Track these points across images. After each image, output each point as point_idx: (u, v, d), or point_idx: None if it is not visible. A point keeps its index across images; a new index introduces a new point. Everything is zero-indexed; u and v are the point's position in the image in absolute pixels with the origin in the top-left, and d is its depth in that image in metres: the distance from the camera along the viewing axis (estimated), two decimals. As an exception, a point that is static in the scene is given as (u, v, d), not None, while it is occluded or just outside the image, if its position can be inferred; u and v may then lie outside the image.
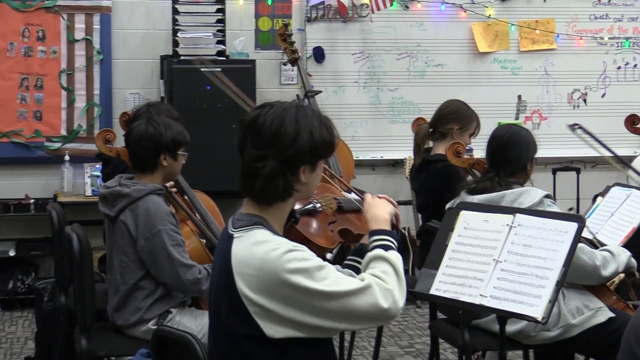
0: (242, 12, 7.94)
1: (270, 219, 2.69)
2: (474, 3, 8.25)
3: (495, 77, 8.36)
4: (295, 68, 7.50)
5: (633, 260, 4.19)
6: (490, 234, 3.39)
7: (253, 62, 7.59)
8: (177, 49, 7.49)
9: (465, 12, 8.24)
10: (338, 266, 2.96)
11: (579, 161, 8.37)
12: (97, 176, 7.22)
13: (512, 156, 4.25)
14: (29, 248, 7.55)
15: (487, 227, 3.42)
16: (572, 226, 3.28)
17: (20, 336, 6.69)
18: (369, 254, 2.75)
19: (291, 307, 2.55)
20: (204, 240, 4.40)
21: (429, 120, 5.47)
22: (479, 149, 5.38)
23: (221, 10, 7.65)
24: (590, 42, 8.50)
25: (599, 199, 4.97)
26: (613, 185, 4.99)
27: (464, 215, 3.49)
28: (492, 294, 3.26)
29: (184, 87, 7.29)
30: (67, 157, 7.53)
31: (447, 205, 4.16)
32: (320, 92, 7.43)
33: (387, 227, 2.85)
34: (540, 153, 4.44)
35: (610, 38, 8.53)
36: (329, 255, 4.40)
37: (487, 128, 4.90)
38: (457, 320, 4.24)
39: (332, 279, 2.58)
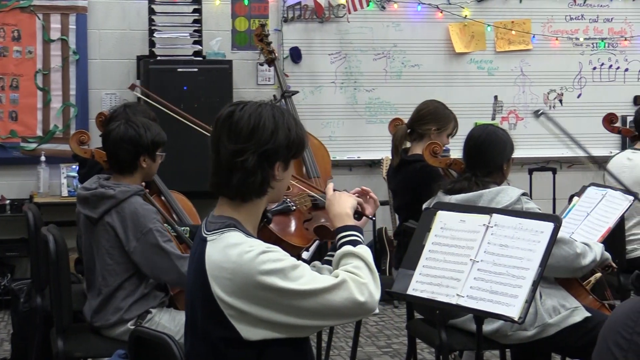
0: (218, 12, 7.92)
1: (244, 220, 2.69)
2: (450, 4, 8.27)
3: (471, 77, 8.38)
4: (272, 68, 7.50)
5: (606, 253, 4.23)
6: (467, 234, 3.40)
7: (230, 62, 7.58)
8: (153, 49, 7.47)
9: (441, 12, 8.26)
10: (318, 262, 2.96)
11: (555, 161, 8.42)
12: (74, 177, 7.19)
13: (488, 156, 4.26)
14: (5, 249, 7.51)
15: (463, 227, 3.43)
16: (548, 226, 3.29)
17: (-5, 338, 6.66)
18: (338, 252, 2.76)
19: (268, 308, 2.55)
20: (174, 232, 4.38)
21: (406, 120, 5.49)
22: (456, 149, 5.40)
23: (198, 11, 7.64)
24: (565, 43, 8.54)
25: (575, 198, 4.99)
26: (589, 186, 5.02)
27: (441, 215, 3.50)
28: (468, 294, 3.26)
29: (161, 88, 7.25)
30: (43, 158, 7.50)
31: (424, 206, 4.17)
32: (297, 92, 7.43)
33: (351, 222, 2.86)
34: (517, 153, 4.46)
35: (585, 39, 8.58)
36: (305, 254, 4.40)
37: (463, 128, 4.92)
38: (434, 320, 4.25)
39: (307, 277, 2.58)
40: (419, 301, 3.54)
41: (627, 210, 4.80)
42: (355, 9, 7.79)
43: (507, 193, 4.09)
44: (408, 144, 5.45)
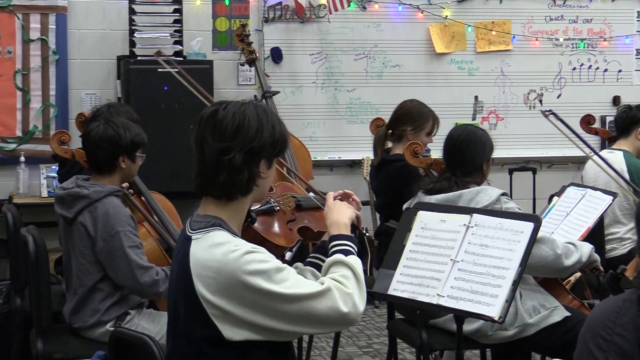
0: (199, 12, 7.90)
1: (229, 219, 2.69)
2: (431, 4, 8.29)
3: (452, 77, 8.40)
4: (252, 68, 7.50)
5: (596, 255, 4.21)
6: (448, 234, 3.41)
7: (210, 62, 7.56)
8: (134, 49, 7.44)
9: (422, 13, 8.28)
10: (300, 264, 2.96)
11: (535, 161, 8.45)
12: (53, 177, 7.16)
13: (468, 156, 4.27)
14: (-16, 250, 7.46)
15: (444, 227, 3.44)
16: (528, 226, 3.31)
17: (-25, 339, 6.61)
18: (329, 259, 2.75)
19: (250, 309, 2.54)
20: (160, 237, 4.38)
21: (387, 120, 5.52)
22: (436, 149, 5.41)
23: (178, 11, 7.61)
24: (545, 43, 8.57)
25: (555, 198, 5.02)
26: (569, 185, 5.05)
27: (422, 215, 3.51)
28: (449, 294, 3.27)
29: (141, 88, 7.25)
30: (22, 158, 7.45)
31: (405, 206, 4.18)
32: (278, 92, 7.43)
33: (347, 232, 2.86)
34: (497, 153, 4.47)
35: (565, 39, 8.61)
36: (288, 255, 4.40)
37: (444, 128, 4.94)
38: (414, 320, 4.25)
39: (292, 281, 2.57)
40: (399, 301, 3.55)
41: (606, 209, 4.83)
42: (336, 9, 7.79)
43: (486, 193, 4.10)
44: (390, 144, 5.48)
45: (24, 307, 4.56)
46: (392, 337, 4.87)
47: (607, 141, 6.21)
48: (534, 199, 7.99)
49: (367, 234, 3.09)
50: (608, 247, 5.55)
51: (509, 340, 4.11)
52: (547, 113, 4.72)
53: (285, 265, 2.61)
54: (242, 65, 7.69)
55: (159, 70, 7.25)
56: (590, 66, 8.69)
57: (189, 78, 5.34)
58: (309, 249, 4.93)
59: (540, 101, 8.60)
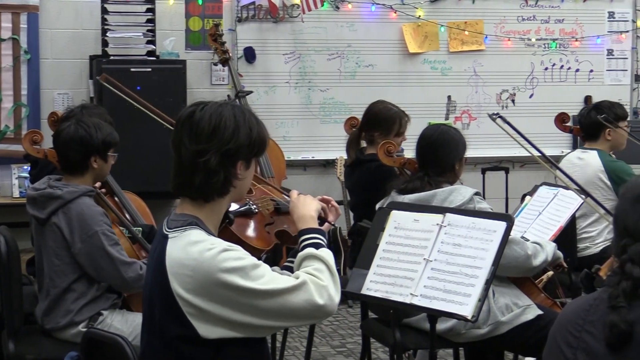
0: (172, 12, 7.88)
1: (206, 219, 2.69)
2: (403, 4, 8.30)
3: (425, 77, 8.42)
4: (226, 68, 7.49)
5: (559, 252, 4.28)
6: (421, 234, 3.42)
7: (184, 62, 7.54)
8: (106, 48, 7.41)
9: (395, 13, 8.29)
10: (277, 268, 2.96)
11: (508, 161, 8.48)
12: (25, 177, 7.11)
13: (440, 156, 4.29)
14: (-45, 251, 7.40)
15: (417, 227, 3.45)
16: (501, 225, 3.33)
17: (-54, 341, 6.56)
18: (300, 254, 2.76)
19: (227, 307, 2.55)
20: (129, 234, 4.36)
21: (360, 119, 5.56)
22: (410, 149, 5.42)
23: (151, 10, 7.59)
24: (518, 43, 8.61)
25: (527, 198, 5.05)
26: (541, 185, 5.07)
27: (395, 215, 3.52)
28: (422, 293, 3.28)
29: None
30: (-6, 158, 7.42)
31: (378, 205, 4.19)
32: (251, 92, 7.42)
33: (315, 225, 2.87)
34: (470, 153, 4.48)
35: (537, 39, 8.65)
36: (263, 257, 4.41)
37: (417, 128, 4.93)
38: (388, 319, 4.26)
39: (268, 277, 2.58)
40: (373, 300, 3.55)
41: (578, 209, 4.86)
42: (309, 9, 7.80)
43: (459, 192, 4.11)
44: (364, 143, 5.51)
45: (-5, 308, 4.54)
46: (365, 337, 4.87)
47: (582, 139, 6.24)
48: (507, 198, 8.03)
49: (335, 225, 3.08)
50: (581, 245, 5.58)
51: (482, 339, 4.13)
52: (494, 117, 4.75)
53: (260, 262, 2.62)
54: (215, 65, 7.67)
55: (132, 69, 7.25)
56: (562, 66, 8.74)
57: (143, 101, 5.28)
58: (283, 251, 4.94)
59: (513, 101, 8.63)
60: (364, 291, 3.38)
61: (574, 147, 7.53)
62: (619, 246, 2.27)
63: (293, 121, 8.12)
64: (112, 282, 4.08)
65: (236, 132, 2.66)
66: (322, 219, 2.97)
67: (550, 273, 4.47)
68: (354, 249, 5.16)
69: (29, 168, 5.81)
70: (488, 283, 3.22)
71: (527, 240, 4.41)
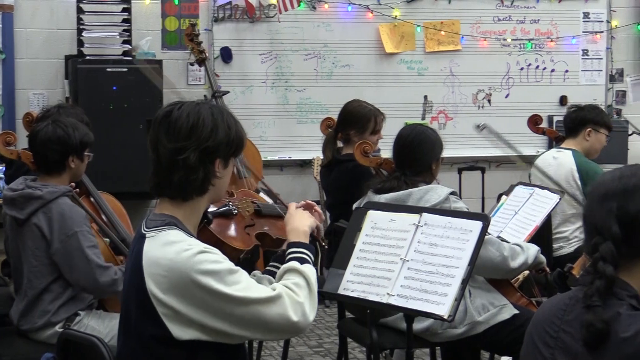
0: (148, 11, 7.86)
1: (184, 219, 2.69)
2: (380, 4, 8.32)
3: (401, 77, 8.43)
4: (202, 68, 7.47)
5: (542, 256, 4.27)
6: (397, 234, 3.42)
7: (160, 62, 7.53)
8: (82, 48, 7.38)
9: (371, 13, 8.30)
10: (258, 271, 2.96)
11: (484, 161, 8.51)
12: (0, 178, 7.07)
13: (417, 155, 4.30)
14: None
15: (394, 227, 3.45)
16: (477, 225, 3.33)
17: None
18: (284, 266, 2.75)
19: (199, 309, 2.54)
20: (108, 240, 4.35)
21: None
22: (386, 149, 5.43)
23: (127, 10, 7.56)
24: (494, 44, 8.65)
25: (503, 197, 5.07)
26: (517, 184, 5.10)
27: (371, 214, 3.52)
28: (399, 293, 3.29)
29: (90, 88, 7.19)
30: (-32, 159, 7.36)
31: (354, 205, 4.19)
32: (228, 92, 7.41)
33: (306, 240, 2.86)
34: (446, 153, 4.49)
35: (513, 39, 8.69)
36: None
37: (394, 128, 4.95)
38: (365, 319, 4.26)
39: (243, 284, 2.57)
40: (350, 300, 3.55)
41: (553, 208, 4.89)
42: (286, 9, 7.79)
43: (435, 192, 4.12)
44: (340, 144, 5.52)
45: (-30, 310, 4.51)
46: (342, 337, 4.87)
47: (555, 141, 6.28)
48: (483, 198, 8.06)
49: (326, 246, 3.10)
50: (555, 245, 5.61)
51: (459, 338, 4.14)
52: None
53: (238, 267, 2.60)
54: (192, 65, 7.65)
55: (108, 69, 7.22)
56: (537, 66, 8.78)
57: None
58: (259, 252, 4.93)
59: (489, 101, 8.66)
60: (341, 291, 3.38)
61: (550, 146, 7.56)
62: (590, 245, 2.28)
63: (270, 121, 8.12)
64: (85, 285, 4.05)
65: (214, 130, 2.66)
66: (313, 237, 2.96)
67: (527, 272, 4.48)
68: (331, 249, 5.16)
69: (4, 168, 5.78)
70: (464, 283, 3.22)
71: (505, 240, 4.44)
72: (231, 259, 2.62)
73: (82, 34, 7.38)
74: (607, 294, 2.21)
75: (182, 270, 2.53)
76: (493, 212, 4.88)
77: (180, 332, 2.56)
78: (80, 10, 7.44)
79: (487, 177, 8.22)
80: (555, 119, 8.39)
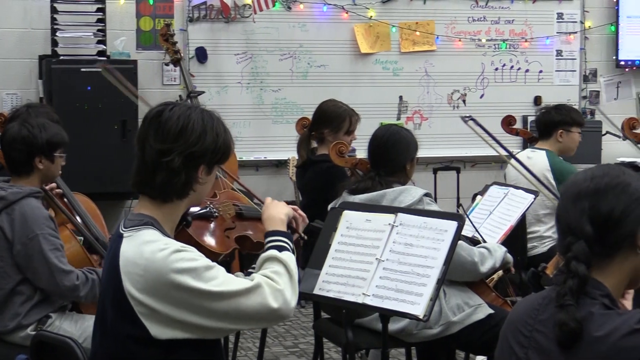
0: (123, 11, 7.83)
1: (162, 220, 2.69)
2: (355, 4, 8.32)
3: (377, 78, 8.44)
4: (177, 68, 7.44)
5: (509, 256, 4.32)
6: (373, 234, 3.43)
7: (135, 62, 7.50)
8: (56, 48, 7.34)
9: (347, 13, 8.31)
10: (240, 273, 2.96)
11: (459, 161, 8.54)
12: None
13: (391, 156, 4.30)
14: None
15: (369, 227, 3.45)
16: (452, 225, 3.34)
17: None
18: (263, 255, 2.77)
19: (178, 307, 2.54)
20: (82, 238, 4.32)
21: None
22: (361, 150, 5.44)
23: (101, 10, 7.53)
24: (468, 44, 8.67)
25: (478, 197, 5.09)
26: (492, 184, 5.12)
27: (347, 215, 3.52)
28: (374, 293, 3.29)
29: (64, 88, 7.16)
30: (-59, 160, 7.31)
31: (330, 206, 4.20)
32: (203, 92, 7.38)
33: (283, 228, 2.87)
34: (421, 153, 4.50)
35: (487, 40, 8.72)
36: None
37: (369, 128, 4.96)
38: (340, 319, 4.26)
39: (221, 279, 2.58)
40: (325, 301, 3.56)
41: (528, 208, 4.91)
42: (261, 9, 7.80)
43: (410, 192, 4.13)
44: (315, 144, 5.52)
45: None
46: (318, 337, 4.88)
47: (528, 141, 6.31)
48: (458, 198, 8.08)
49: (305, 238, 3.10)
50: (529, 245, 5.63)
51: (434, 338, 4.15)
52: (466, 119, 4.79)
53: (214, 264, 2.61)
54: (167, 65, 7.62)
55: (82, 70, 7.19)
56: (512, 67, 8.82)
57: (119, 76, 5.25)
58: (235, 255, 4.92)
59: (464, 101, 8.69)
60: (317, 291, 3.38)
61: (524, 146, 7.59)
62: (563, 244, 2.29)
63: (245, 121, 8.10)
64: (46, 288, 4.01)
65: (203, 136, 2.67)
66: (292, 229, 2.97)
67: (501, 272, 4.51)
68: (306, 249, 5.16)
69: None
70: (440, 282, 3.23)
71: (482, 240, 4.46)
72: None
73: (56, 34, 7.35)
74: (580, 293, 2.22)
75: (159, 270, 2.53)
76: (468, 212, 4.90)
77: (159, 332, 2.55)
78: (54, 10, 7.41)
79: (462, 177, 8.24)
80: (530, 119, 8.42)
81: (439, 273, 3.24)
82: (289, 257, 2.75)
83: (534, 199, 4.98)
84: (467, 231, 4.50)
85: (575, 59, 8.96)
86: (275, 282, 2.64)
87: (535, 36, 8.82)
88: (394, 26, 8.44)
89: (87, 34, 7.46)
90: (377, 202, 4.11)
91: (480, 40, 8.69)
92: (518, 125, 6.29)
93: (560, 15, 8.90)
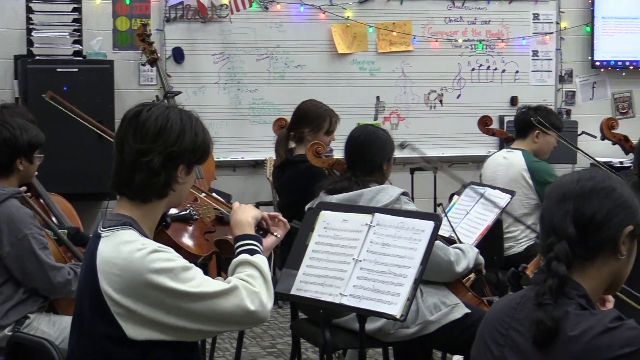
0: (99, 11, 7.80)
1: (141, 220, 2.68)
2: (332, 5, 8.33)
3: (354, 78, 8.45)
4: (154, 69, 7.42)
5: (481, 257, 4.36)
6: (350, 234, 3.43)
7: (111, 62, 7.48)
8: (31, 48, 7.31)
9: (324, 13, 8.31)
10: (221, 278, 2.95)
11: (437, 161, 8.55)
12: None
13: (368, 156, 4.31)
14: None
15: (346, 227, 3.46)
16: (429, 225, 3.35)
17: None
18: (235, 260, 2.76)
19: (155, 308, 2.54)
20: (55, 236, 4.31)
21: (289, 120, 5.56)
22: (339, 150, 5.45)
23: (77, 10, 7.50)
24: (445, 44, 8.69)
25: (455, 197, 5.11)
26: (468, 184, 5.14)
27: (324, 215, 3.52)
28: (352, 293, 3.30)
29: (40, 88, 7.10)
30: None
31: (307, 206, 4.20)
32: (180, 92, 7.36)
33: (251, 231, 2.87)
34: (398, 153, 4.52)
35: (464, 40, 8.74)
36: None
37: (346, 128, 4.97)
38: (318, 319, 4.27)
39: (198, 280, 2.58)
40: (303, 301, 3.56)
41: (505, 208, 4.93)
42: (238, 9, 7.78)
43: (387, 192, 4.14)
44: (293, 144, 5.51)
45: None
46: (295, 337, 4.88)
47: (505, 141, 6.33)
48: (435, 198, 8.09)
49: (279, 236, 3.10)
50: (505, 245, 5.66)
51: (411, 338, 4.16)
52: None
53: (192, 265, 2.61)
54: (144, 65, 7.61)
55: (58, 70, 7.15)
56: (488, 67, 8.84)
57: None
58: (211, 257, 4.91)
59: (441, 101, 8.71)
60: (294, 291, 3.38)
61: (501, 147, 7.63)
62: (545, 244, 2.31)
63: (222, 122, 8.09)
64: (40, 286, 4.02)
65: (181, 136, 2.67)
66: (264, 230, 2.97)
67: (472, 274, 4.53)
68: (284, 250, 5.16)
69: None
70: (417, 282, 3.24)
71: (458, 240, 4.48)
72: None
73: (32, 34, 7.31)
74: (559, 293, 2.24)
75: (136, 270, 2.53)
76: (445, 212, 4.91)
77: (135, 332, 2.55)
78: (29, 10, 7.37)
79: (439, 177, 8.26)
80: (506, 119, 8.46)
81: (416, 273, 3.25)
82: (261, 260, 2.75)
83: (510, 199, 5.01)
84: (444, 231, 4.52)
85: (551, 59, 9.00)
86: (251, 284, 2.65)
87: (511, 37, 8.85)
88: (370, 26, 8.45)
89: (63, 34, 7.43)
90: (354, 202, 4.11)
91: (456, 40, 8.72)
92: (495, 125, 6.31)
93: (536, 16, 8.94)
